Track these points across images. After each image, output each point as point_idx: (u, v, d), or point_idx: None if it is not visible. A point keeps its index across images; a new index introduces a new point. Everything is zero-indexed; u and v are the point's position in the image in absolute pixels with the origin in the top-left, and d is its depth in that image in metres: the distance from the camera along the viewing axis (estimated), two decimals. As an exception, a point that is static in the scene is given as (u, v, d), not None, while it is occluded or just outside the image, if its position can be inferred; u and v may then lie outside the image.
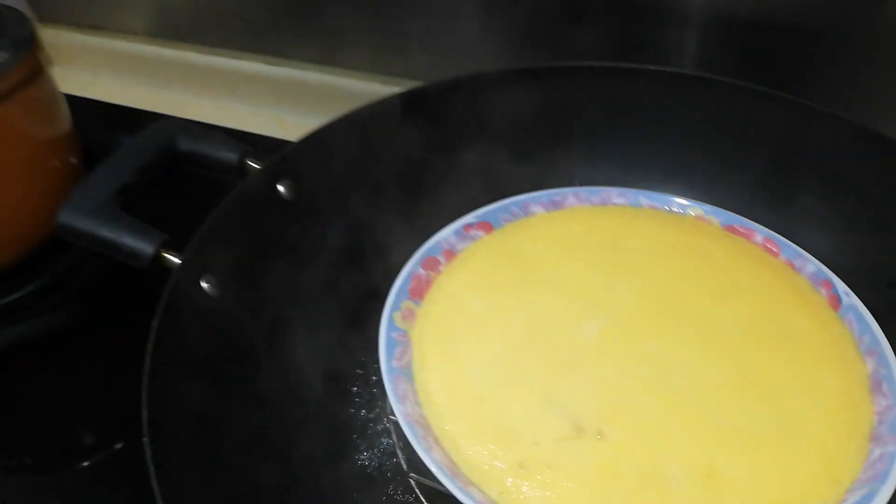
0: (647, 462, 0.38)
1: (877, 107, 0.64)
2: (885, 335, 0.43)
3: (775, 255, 0.50)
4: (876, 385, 0.41)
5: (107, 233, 0.49)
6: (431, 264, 0.50)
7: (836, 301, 0.46)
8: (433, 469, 0.36)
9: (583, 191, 0.56)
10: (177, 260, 0.48)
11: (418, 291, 0.49)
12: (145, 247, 0.48)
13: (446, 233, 0.52)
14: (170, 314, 0.44)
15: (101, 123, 0.84)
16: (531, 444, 0.39)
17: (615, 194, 0.56)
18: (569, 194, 0.56)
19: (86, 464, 0.56)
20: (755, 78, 0.60)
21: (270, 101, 0.89)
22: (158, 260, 0.48)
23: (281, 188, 0.55)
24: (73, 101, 0.69)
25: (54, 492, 0.54)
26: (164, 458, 0.36)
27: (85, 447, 0.57)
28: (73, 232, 0.49)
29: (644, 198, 0.56)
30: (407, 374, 0.44)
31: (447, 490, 0.41)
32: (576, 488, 0.37)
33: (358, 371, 0.52)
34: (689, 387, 0.41)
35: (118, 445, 0.56)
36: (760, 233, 0.51)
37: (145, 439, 0.37)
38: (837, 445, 0.38)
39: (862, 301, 0.45)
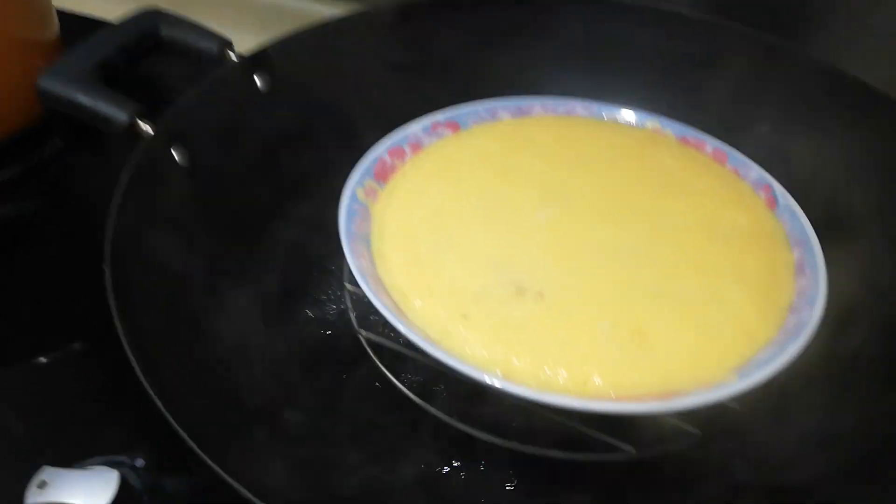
0: (581, 319, 0.41)
1: (837, 45, 0.67)
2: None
3: (722, 162, 0.53)
4: (800, 269, 0.44)
5: (83, 98, 0.50)
6: (397, 153, 0.52)
7: (773, 202, 0.49)
8: (378, 306, 0.39)
9: (549, 101, 0.58)
10: (150, 129, 0.50)
11: (382, 175, 0.51)
12: (120, 114, 0.50)
13: (414, 127, 0.54)
14: (139, 175, 0.46)
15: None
16: (475, 299, 0.42)
17: (579, 106, 0.58)
18: (535, 103, 0.58)
19: (44, 360, 0.55)
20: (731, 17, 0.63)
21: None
22: (133, 127, 0.50)
23: (258, 80, 0.57)
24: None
25: (18, 384, 0.54)
26: (127, 307, 0.38)
27: (46, 343, 0.56)
28: (52, 96, 0.51)
29: (605, 111, 0.58)
30: (365, 239, 0.46)
31: (392, 345, 0.44)
32: (512, 335, 0.40)
33: (320, 248, 0.54)
34: (627, 262, 0.44)
35: (79, 343, 0.56)
36: (710, 143, 0.54)
37: (106, 267, 0.39)
38: (757, 314, 0.41)
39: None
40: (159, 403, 0.32)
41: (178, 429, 0.31)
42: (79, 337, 0.57)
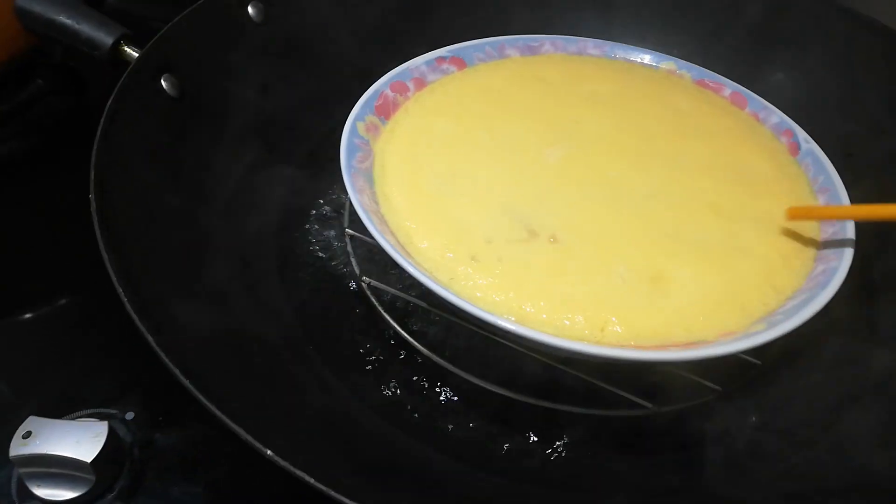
0: (596, 262, 0.38)
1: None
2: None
3: (741, 107, 0.51)
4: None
5: (65, 19, 0.47)
6: (400, 88, 0.49)
7: (795, 148, 0.47)
8: (383, 244, 0.36)
9: (560, 39, 0.55)
10: (136, 54, 0.46)
11: (384, 110, 0.48)
12: (104, 37, 0.46)
13: (417, 61, 0.51)
14: (125, 103, 0.43)
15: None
16: (485, 241, 0.39)
17: (591, 45, 0.55)
18: (546, 41, 0.55)
19: (31, 310, 0.53)
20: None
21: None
22: (118, 52, 0.47)
23: (251, 10, 0.53)
24: None
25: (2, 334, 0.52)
26: (107, 211, 0.35)
27: (33, 292, 0.54)
28: (30, 16, 0.47)
29: (619, 50, 0.55)
30: (367, 176, 0.43)
31: (396, 292, 0.42)
32: (523, 277, 0.37)
33: (318, 188, 0.51)
34: (644, 205, 0.42)
35: (67, 291, 0.54)
36: (729, 87, 0.52)
37: (91, 196, 0.36)
38: (782, 261, 0.39)
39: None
40: (151, 339, 0.30)
41: (173, 368, 0.29)
42: (67, 285, 0.54)
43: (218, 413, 0.27)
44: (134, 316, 0.30)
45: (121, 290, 0.31)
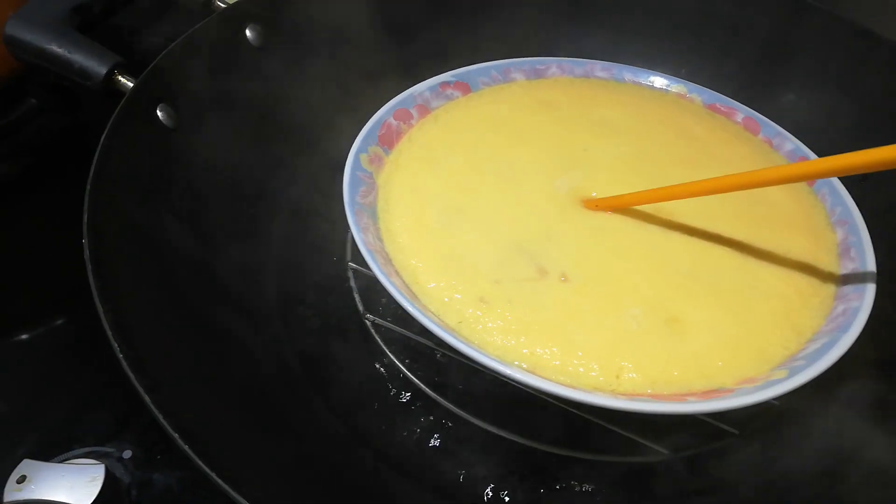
0: (610, 304, 0.37)
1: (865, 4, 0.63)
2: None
3: (754, 133, 0.49)
4: (844, 251, 0.41)
5: (57, 48, 0.45)
6: (404, 116, 0.48)
7: (811, 177, 0.45)
8: (389, 289, 0.35)
9: (567, 62, 0.54)
10: (130, 84, 0.45)
11: (388, 139, 0.46)
12: (98, 66, 0.45)
13: (421, 87, 0.50)
14: (119, 137, 0.41)
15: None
16: (493, 281, 0.38)
17: (599, 68, 0.54)
18: (552, 64, 0.54)
19: (23, 338, 0.52)
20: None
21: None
22: (111, 82, 0.45)
23: (248, 33, 0.52)
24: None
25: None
26: (102, 258, 0.34)
27: (25, 319, 0.53)
28: (21, 45, 0.46)
29: (628, 73, 0.54)
30: (371, 212, 0.42)
31: (401, 330, 0.40)
32: (534, 321, 0.36)
33: (321, 221, 0.49)
34: (658, 241, 0.40)
35: (61, 319, 0.53)
36: (742, 112, 0.50)
37: (85, 241, 0.35)
38: (801, 301, 0.38)
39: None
40: (147, 398, 0.28)
41: (166, 425, 0.28)
42: (61, 309, 0.53)
43: (221, 484, 0.26)
44: (130, 374, 0.29)
45: (116, 345, 0.30)
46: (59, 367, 0.50)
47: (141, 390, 0.29)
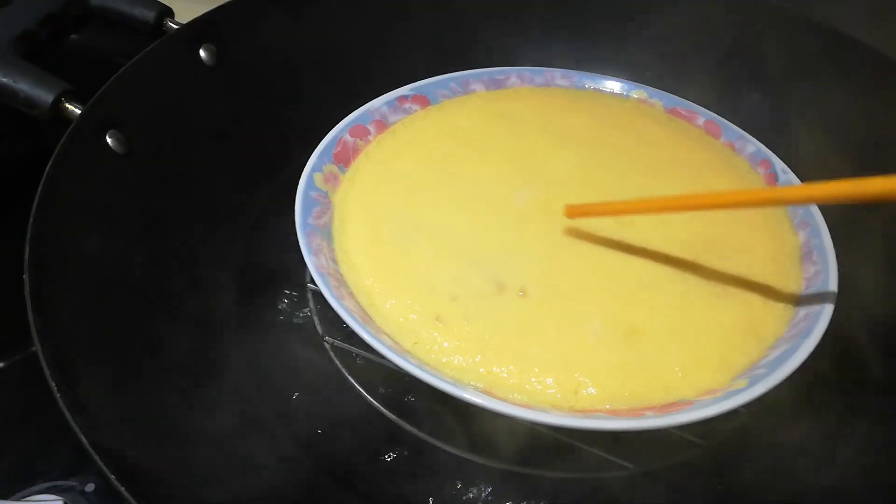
0: (568, 318, 0.36)
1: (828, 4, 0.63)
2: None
3: (716, 136, 0.49)
4: (807, 254, 0.40)
5: (1, 77, 0.44)
6: (360, 132, 0.47)
7: (773, 179, 0.45)
8: (341, 313, 0.34)
9: (526, 71, 0.53)
10: (78, 111, 0.44)
11: (344, 157, 0.46)
12: (44, 94, 0.44)
13: (378, 102, 0.49)
14: (65, 166, 0.40)
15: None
16: (450, 299, 0.37)
17: (559, 76, 0.54)
18: (512, 74, 0.53)
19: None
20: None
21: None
22: (59, 110, 0.44)
23: (203, 53, 0.51)
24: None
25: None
26: (44, 294, 0.33)
27: None
28: (-37, 76, 0.45)
29: (588, 80, 0.53)
30: (325, 233, 0.41)
31: (361, 352, 0.40)
32: (492, 339, 0.35)
33: (277, 243, 0.48)
34: (618, 252, 0.40)
35: (17, 348, 0.51)
36: (703, 115, 0.50)
37: (25, 276, 0.34)
38: (763, 306, 0.37)
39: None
40: (84, 440, 0.28)
41: (109, 475, 0.27)
42: (21, 339, 0.52)
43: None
44: (67, 414, 0.28)
45: (54, 384, 0.29)
46: (20, 398, 0.49)
47: (77, 430, 0.28)
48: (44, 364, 0.30)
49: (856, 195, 0.28)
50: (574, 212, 0.40)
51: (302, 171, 0.42)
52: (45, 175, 0.39)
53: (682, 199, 0.37)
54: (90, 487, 0.43)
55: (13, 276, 0.53)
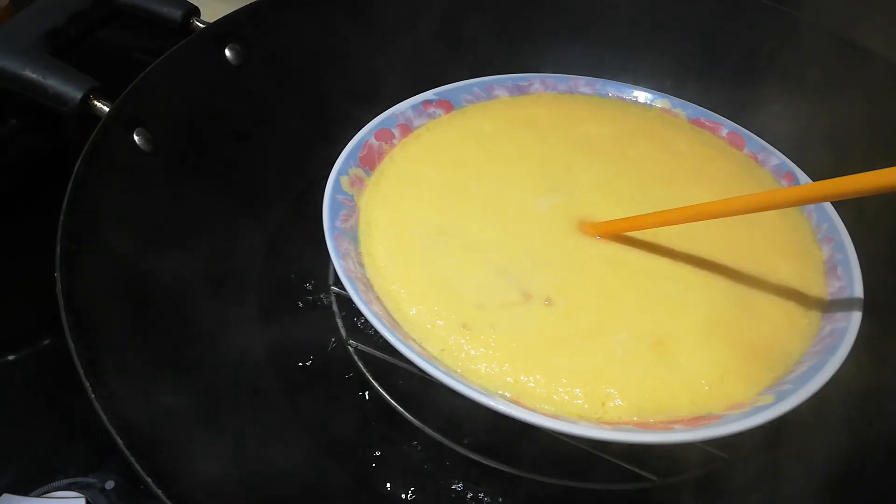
0: (595, 328, 0.36)
1: (848, 15, 0.63)
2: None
3: (739, 147, 0.49)
4: (831, 269, 0.40)
5: (30, 73, 0.44)
6: (385, 136, 0.47)
7: (797, 192, 0.45)
8: (370, 318, 0.34)
9: (550, 78, 0.53)
10: (106, 108, 0.44)
11: (369, 160, 0.46)
12: (73, 91, 0.44)
13: (403, 106, 0.49)
14: (94, 163, 0.41)
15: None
16: (476, 306, 0.37)
17: (582, 83, 0.54)
18: (535, 80, 0.53)
19: (9, 357, 0.51)
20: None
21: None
22: (87, 107, 0.44)
23: (228, 52, 0.51)
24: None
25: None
26: (75, 292, 0.33)
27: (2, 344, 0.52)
28: (-6, 71, 0.45)
29: (611, 88, 0.53)
30: (352, 236, 0.41)
31: (385, 357, 0.40)
32: (518, 348, 0.35)
33: (302, 245, 0.49)
34: (643, 263, 0.40)
35: (40, 343, 0.51)
36: (726, 126, 0.50)
37: (57, 274, 0.34)
38: (789, 322, 0.37)
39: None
40: (120, 442, 0.28)
41: (145, 476, 0.27)
42: (39, 333, 0.52)
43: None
44: (102, 415, 0.28)
45: (88, 384, 0.29)
46: (40, 393, 0.49)
47: (113, 431, 0.28)
48: (77, 363, 0.30)
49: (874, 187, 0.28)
50: (594, 230, 0.40)
51: (323, 173, 0.43)
52: (74, 173, 0.39)
53: (698, 208, 0.37)
54: (110, 485, 0.43)
55: (20, 269, 0.54)
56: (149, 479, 0.27)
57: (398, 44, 0.55)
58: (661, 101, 0.52)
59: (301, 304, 0.46)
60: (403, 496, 0.37)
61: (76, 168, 0.39)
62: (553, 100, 0.53)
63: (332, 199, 0.41)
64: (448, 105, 0.51)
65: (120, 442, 0.28)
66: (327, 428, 0.39)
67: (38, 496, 0.42)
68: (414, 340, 0.36)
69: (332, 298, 0.44)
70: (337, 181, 0.43)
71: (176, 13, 0.51)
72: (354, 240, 0.41)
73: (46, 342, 0.52)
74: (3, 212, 0.61)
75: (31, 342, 0.52)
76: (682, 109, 0.52)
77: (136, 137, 0.44)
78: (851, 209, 0.44)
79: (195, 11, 0.52)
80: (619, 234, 0.40)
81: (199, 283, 0.42)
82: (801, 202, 0.41)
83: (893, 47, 0.59)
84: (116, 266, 0.38)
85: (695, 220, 0.39)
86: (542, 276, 0.39)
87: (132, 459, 0.27)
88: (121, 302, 0.36)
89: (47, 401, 0.48)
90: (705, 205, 0.37)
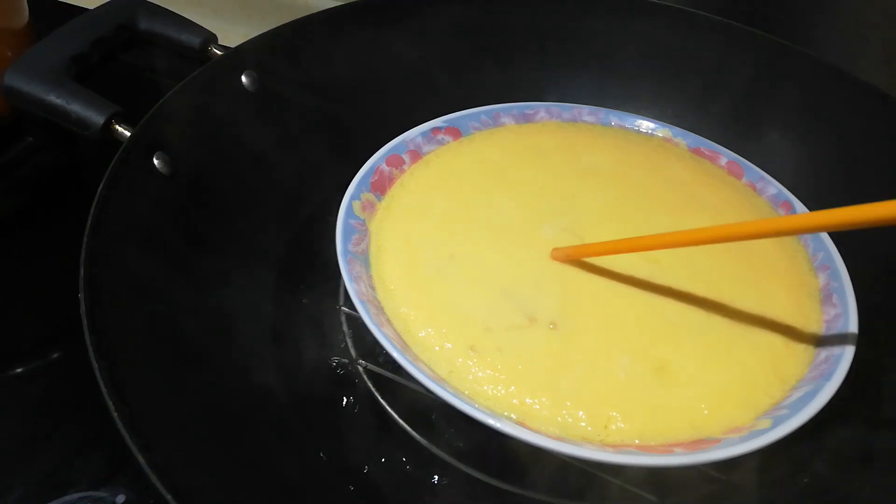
0: (598, 353, 0.38)
1: (847, 49, 0.65)
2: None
3: (738, 176, 0.50)
4: (827, 297, 0.41)
5: (55, 98, 0.46)
6: (396, 162, 0.49)
7: (794, 221, 0.46)
8: (382, 341, 0.36)
9: (555, 106, 0.55)
10: (128, 133, 0.46)
11: (380, 186, 0.47)
12: (95, 116, 0.46)
13: (413, 133, 0.51)
14: (116, 186, 0.42)
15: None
16: (483, 329, 0.39)
17: (586, 112, 0.55)
18: (540, 109, 0.55)
19: (13, 376, 0.52)
20: (734, 16, 0.60)
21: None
22: (109, 131, 0.46)
23: (245, 79, 0.53)
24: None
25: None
26: (99, 318, 0.34)
27: (15, 358, 0.53)
28: (20, 95, 0.47)
29: (614, 118, 0.55)
30: (363, 260, 0.42)
31: (394, 376, 0.41)
32: (524, 371, 0.37)
33: (314, 266, 0.50)
34: (645, 289, 0.41)
35: (52, 357, 0.52)
36: (726, 156, 0.52)
37: (81, 295, 0.35)
38: (785, 347, 0.39)
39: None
40: (141, 459, 0.29)
41: (160, 486, 0.28)
42: (52, 347, 0.53)
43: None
44: (124, 433, 0.29)
45: (111, 403, 0.30)
46: (51, 406, 0.50)
47: (135, 449, 0.29)
48: (101, 384, 0.31)
49: (868, 219, 0.29)
50: (560, 255, 0.41)
51: (336, 197, 0.44)
52: (97, 196, 0.41)
53: (696, 234, 0.38)
54: (121, 499, 0.44)
55: (27, 291, 0.55)
56: (169, 496, 0.28)
57: (409, 72, 0.56)
58: (662, 131, 0.54)
59: (312, 325, 0.47)
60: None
61: (99, 192, 0.41)
62: (558, 128, 0.54)
63: (345, 223, 0.43)
64: (456, 132, 0.52)
65: (142, 460, 0.29)
66: (339, 446, 0.40)
67: (51, 510, 0.43)
68: (423, 362, 0.37)
69: (342, 318, 0.46)
70: (350, 206, 0.44)
71: (195, 41, 0.53)
72: (366, 263, 0.42)
73: (55, 356, 0.53)
74: (15, 227, 0.63)
75: (40, 356, 0.53)
76: (682, 139, 0.53)
77: (155, 161, 0.45)
78: (846, 238, 0.45)
79: (213, 39, 0.54)
80: (578, 259, 0.42)
81: (215, 301, 0.43)
82: (798, 231, 0.42)
83: (891, 81, 0.61)
84: (136, 287, 0.39)
85: (691, 245, 0.39)
86: (547, 300, 0.40)
87: (159, 484, 0.28)
88: (141, 323, 0.37)
89: (57, 414, 0.49)
90: (704, 230, 0.38)
